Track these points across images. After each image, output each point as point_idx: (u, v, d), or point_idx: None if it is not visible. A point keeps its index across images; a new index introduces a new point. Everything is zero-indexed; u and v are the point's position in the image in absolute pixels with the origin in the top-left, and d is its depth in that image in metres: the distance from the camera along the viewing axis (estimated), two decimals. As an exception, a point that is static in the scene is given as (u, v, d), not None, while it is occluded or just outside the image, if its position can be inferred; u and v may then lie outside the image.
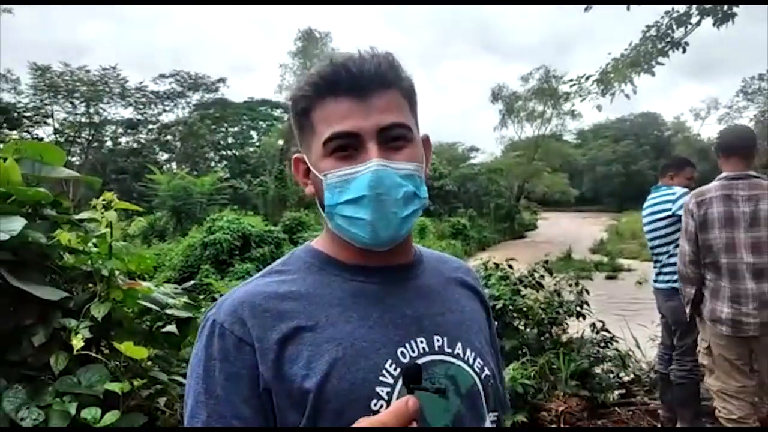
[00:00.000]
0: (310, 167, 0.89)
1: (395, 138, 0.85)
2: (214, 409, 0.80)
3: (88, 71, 31.55)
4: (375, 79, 0.85)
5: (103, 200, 2.10)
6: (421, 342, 0.88)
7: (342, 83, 0.84)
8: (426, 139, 0.95)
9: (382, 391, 0.81)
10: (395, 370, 0.83)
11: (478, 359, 0.93)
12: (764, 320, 2.87)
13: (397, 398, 0.78)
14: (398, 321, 0.88)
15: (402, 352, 0.85)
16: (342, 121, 0.83)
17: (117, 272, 2.12)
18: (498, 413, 0.96)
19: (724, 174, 3.05)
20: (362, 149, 0.83)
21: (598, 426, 4.02)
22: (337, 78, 0.84)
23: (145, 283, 2.24)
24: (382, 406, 0.80)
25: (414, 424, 0.66)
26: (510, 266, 5.02)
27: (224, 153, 42.70)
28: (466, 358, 0.91)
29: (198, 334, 0.87)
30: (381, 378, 0.82)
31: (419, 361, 0.85)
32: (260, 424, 0.80)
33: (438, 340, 0.89)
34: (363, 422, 0.69)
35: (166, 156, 40.27)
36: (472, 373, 0.91)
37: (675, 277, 3.69)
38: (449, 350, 0.90)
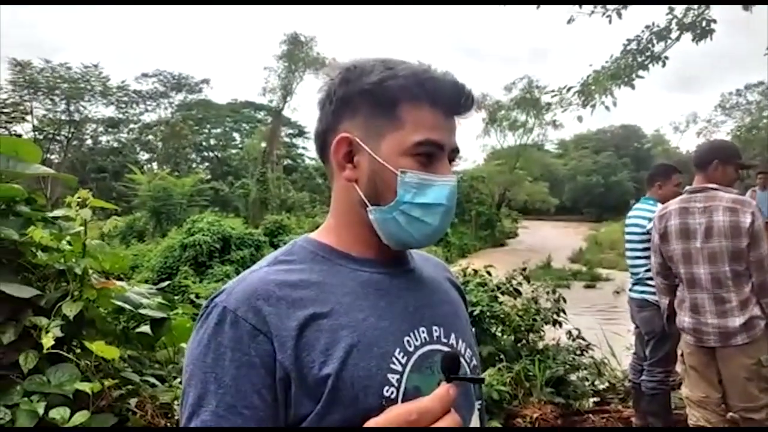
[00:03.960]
0: (374, 155, 0.90)
1: (452, 159, 0.95)
2: (223, 399, 0.78)
3: (69, 68, 31.19)
4: (465, 107, 0.94)
5: (78, 198, 2.08)
6: (423, 331, 0.91)
7: (449, 100, 0.92)
8: None
9: (393, 378, 0.84)
10: (403, 357, 0.86)
11: (468, 350, 0.98)
12: (723, 330, 2.91)
13: (406, 385, 0.84)
14: (403, 311, 0.92)
15: (408, 341, 0.88)
16: (435, 130, 0.90)
17: (91, 271, 2.09)
18: (481, 401, 1.02)
19: (686, 188, 3.15)
20: (437, 161, 0.91)
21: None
22: (448, 93, 0.91)
23: (119, 283, 2.22)
24: (393, 392, 0.83)
25: (452, 411, 0.70)
26: (488, 273, 5.05)
27: (206, 154, 42.48)
28: (458, 349, 0.96)
29: (201, 321, 0.85)
30: (391, 365, 0.84)
31: (421, 351, 0.89)
32: (271, 414, 0.79)
33: (436, 330, 0.93)
34: (405, 406, 0.70)
35: (147, 156, 39.96)
36: (464, 362, 0.94)
37: (648, 288, 3.74)
38: (445, 340, 0.94)
